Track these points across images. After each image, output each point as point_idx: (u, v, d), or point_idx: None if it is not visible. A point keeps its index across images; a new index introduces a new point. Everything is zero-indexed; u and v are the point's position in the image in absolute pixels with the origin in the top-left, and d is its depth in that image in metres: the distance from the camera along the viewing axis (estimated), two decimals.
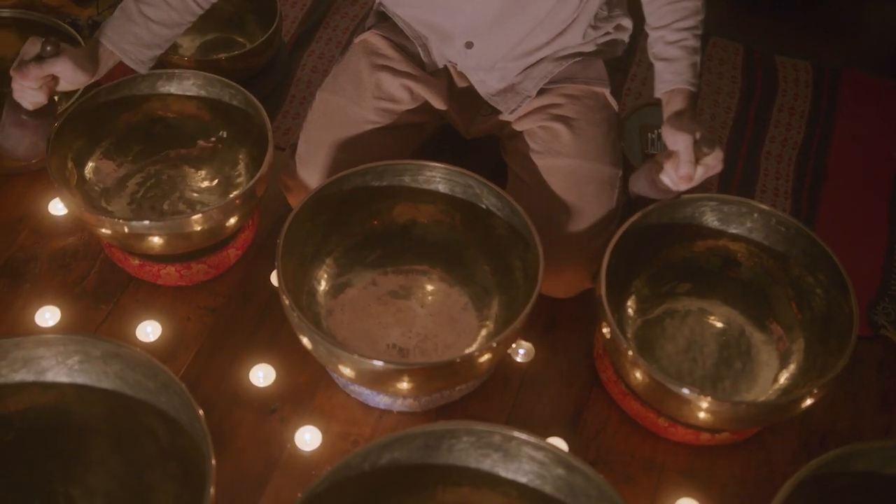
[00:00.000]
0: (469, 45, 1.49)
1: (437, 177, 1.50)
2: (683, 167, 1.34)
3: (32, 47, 1.37)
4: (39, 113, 1.41)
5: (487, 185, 1.47)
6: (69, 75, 1.37)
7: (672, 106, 1.41)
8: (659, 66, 1.43)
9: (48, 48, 1.36)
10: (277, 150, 1.80)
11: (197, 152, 1.69)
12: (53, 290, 1.60)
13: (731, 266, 1.54)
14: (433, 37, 1.54)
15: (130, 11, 1.42)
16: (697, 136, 1.34)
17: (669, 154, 1.37)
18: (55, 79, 1.38)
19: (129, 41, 1.43)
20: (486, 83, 1.55)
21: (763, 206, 1.48)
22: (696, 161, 1.35)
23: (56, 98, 1.47)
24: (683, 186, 1.37)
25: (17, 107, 1.40)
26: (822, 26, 2.17)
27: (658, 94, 1.43)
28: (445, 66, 1.58)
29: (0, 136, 1.43)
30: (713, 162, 1.35)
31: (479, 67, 1.53)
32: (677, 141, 1.35)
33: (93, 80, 1.43)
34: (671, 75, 1.41)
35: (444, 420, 1.39)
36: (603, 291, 1.36)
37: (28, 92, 1.37)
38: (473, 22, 1.46)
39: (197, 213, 1.43)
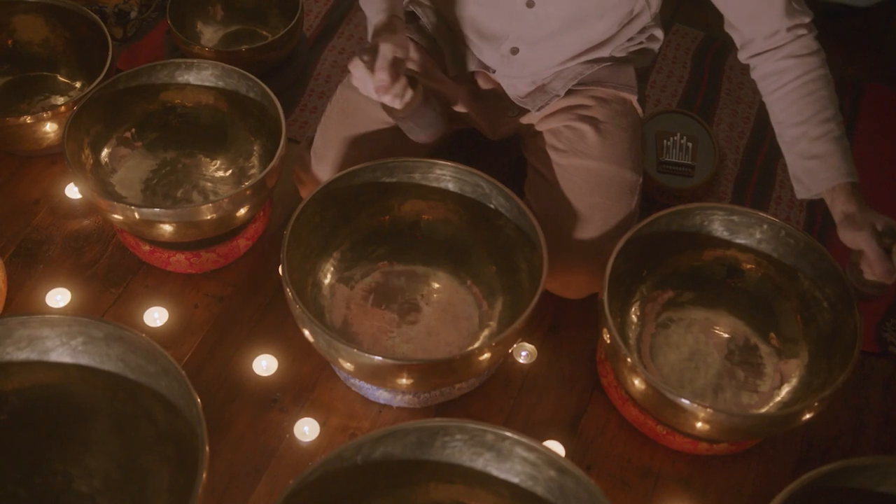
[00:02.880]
0: (514, 50, 1.48)
1: (446, 175, 1.51)
2: (877, 265, 1.28)
3: (358, 68, 1.31)
4: (407, 105, 1.37)
5: (496, 186, 1.47)
6: (393, 52, 1.30)
7: (838, 205, 1.33)
8: (810, 165, 1.35)
9: (365, 58, 1.30)
10: (293, 143, 1.81)
11: (212, 142, 1.70)
12: (65, 273, 1.62)
13: (737, 276, 1.54)
14: (477, 40, 1.51)
15: None
16: (879, 226, 1.28)
17: (860, 254, 1.32)
18: (399, 63, 1.32)
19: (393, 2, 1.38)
20: (517, 87, 1.56)
21: (772, 218, 1.47)
22: (889, 251, 1.28)
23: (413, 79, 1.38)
24: (891, 280, 1.29)
25: (391, 110, 1.37)
26: (845, 39, 2.15)
27: (813, 193, 1.36)
28: (471, 71, 1.57)
29: (407, 130, 1.43)
30: None
31: (516, 74, 1.53)
32: (857, 240, 1.29)
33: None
34: (828, 172, 1.33)
35: (442, 417, 1.40)
36: (605, 296, 1.36)
37: (393, 94, 1.32)
38: (529, 32, 1.45)
39: (207, 202, 1.45)
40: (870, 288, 1.35)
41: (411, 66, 1.56)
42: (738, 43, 1.42)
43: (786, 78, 1.37)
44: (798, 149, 1.37)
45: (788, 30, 1.35)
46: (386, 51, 1.29)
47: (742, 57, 1.43)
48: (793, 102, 1.36)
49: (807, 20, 1.36)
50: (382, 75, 1.29)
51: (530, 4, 1.41)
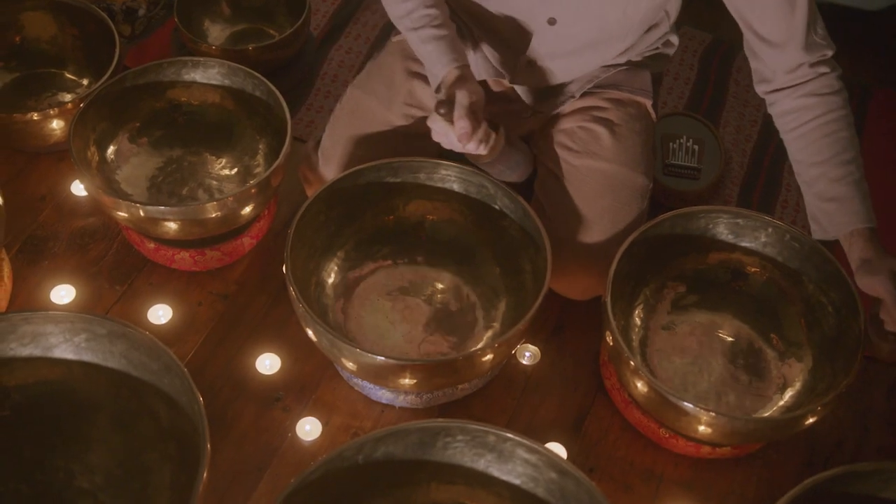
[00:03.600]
0: (532, 63, 1.47)
1: (451, 176, 1.51)
2: (895, 310, 1.24)
3: (437, 121, 1.32)
4: (492, 151, 1.36)
5: (501, 187, 1.47)
6: (469, 98, 1.31)
7: (856, 250, 1.29)
8: (829, 207, 1.32)
9: (442, 111, 1.31)
10: (298, 142, 1.82)
11: (218, 140, 1.71)
12: (70, 269, 1.62)
13: (742, 280, 1.53)
14: (494, 49, 1.50)
15: (431, 34, 1.38)
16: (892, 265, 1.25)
17: (880, 304, 1.27)
18: (478, 109, 1.32)
19: (456, 48, 1.38)
20: (532, 93, 1.55)
21: (777, 221, 1.46)
22: None
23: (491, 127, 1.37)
24: None
25: (477, 157, 1.38)
26: (854, 43, 2.14)
27: (830, 236, 1.33)
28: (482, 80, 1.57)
29: (497, 174, 1.44)
30: None
31: (531, 84, 1.53)
32: (875, 286, 1.25)
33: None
34: (847, 216, 1.30)
35: (444, 418, 1.40)
36: (608, 298, 1.35)
37: (477, 140, 1.32)
38: (549, 48, 1.44)
39: (212, 200, 1.45)
40: (893, 341, 1.29)
41: (419, 69, 1.56)
42: (757, 77, 1.37)
43: (806, 116, 1.32)
44: (816, 189, 1.33)
45: (811, 66, 1.31)
46: (462, 98, 1.29)
47: (761, 90, 1.38)
48: (813, 142, 1.32)
49: (829, 54, 1.31)
50: (463, 123, 1.28)
51: (552, 22, 1.39)
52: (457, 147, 1.32)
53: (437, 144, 1.62)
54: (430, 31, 1.37)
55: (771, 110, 1.37)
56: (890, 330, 1.27)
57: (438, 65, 1.36)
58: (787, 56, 1.31)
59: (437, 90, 1.39)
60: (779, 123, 1.37)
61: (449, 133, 1.31)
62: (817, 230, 1.35)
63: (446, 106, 1.29)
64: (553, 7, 1.35)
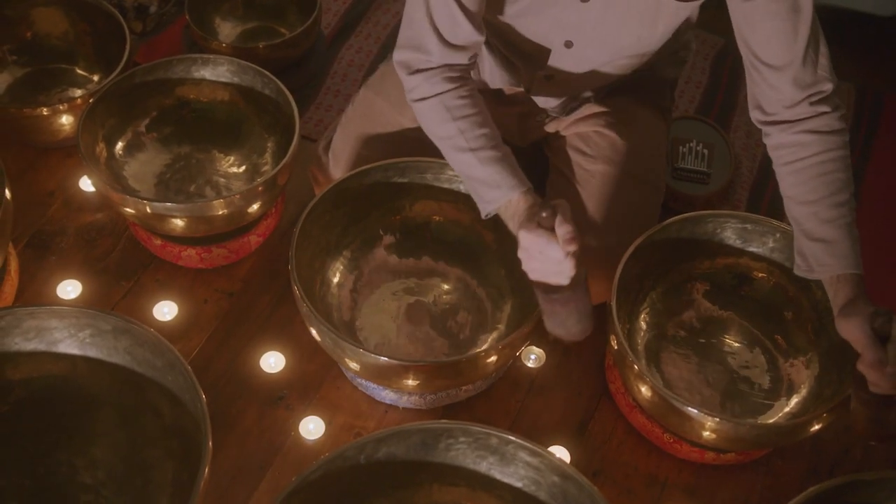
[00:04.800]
0: (549, 77, 1.46)
1: (458, 176, 1.50)
2: (868, 352, 1.15)
3: (536, 231, 1.20)
4: (576, 279, 1.23)
5: None
6: (568, 207, 1.21)
7: (841, 296, 1.23)
8: (816, 248, 1.25)
9: (544, 215, 1.19)
10: (307, 140, 1.81)
11: (227, 138, 1.71)
12: (77, 265, 1.63)
13: (749, 285, 1.52)
14: (512, 60, 1.47)
15: (494, 156, 1.30)
16: (877, 321, 1.16)
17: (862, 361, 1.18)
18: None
19: (518, 171, 1.30)
20: (549, 101, 1.54)
21: (786, 227, 1.45)
22: (888, 336, 1.15)
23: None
24: (886, 381, 1.15)
25: (554, 290, 1.24)
26: (867, 48, 2.13)
27: (814, 276, 1.27)
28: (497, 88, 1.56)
29: (550, 323, 1.28)
30: None
31: (548, 95, 1.52)
32: (852, 329, 1.18)
33: None
34: (834, 259, 1.24)
35: (448, 419, 1.39)
36: (614, 302, 1.35)
37: (564, 270, 1.20)
38: (565, 68, 1.42)
39: (219, 197, 1.45)
40: (877, 409, 1.19)
41: None
42: (752, 102, 1.30)
43: (802, 153, 1.26)
44: (805, 228, 1.27)
45: (812, 104, 1.25)
46: (565, 207, 1.19)
47: (756, 118, 1.31)
48: (807, 180, 1.26)
49: (829, 88, 1.25)
50: (570, 227, 1.17)
51: (568, 45, 1.36)
52: (557, 255, 1.18)
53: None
54: (491, 154, 1.29)
55: (766, 140, 1.31)
56: (873, 387, 1.17)
57: (504, 188, 1.28)
58: (787, 86, 1.25)
59: (487, 216, 1.32)
60: (773, 155, 1.31)
61: (550, 243, 1.18)
62: (802, 267, 1.28)
63: (547, 210, 1.18)
64: (569, 31, 1.34)
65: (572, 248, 1.18)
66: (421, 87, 1.32)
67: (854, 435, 1.24)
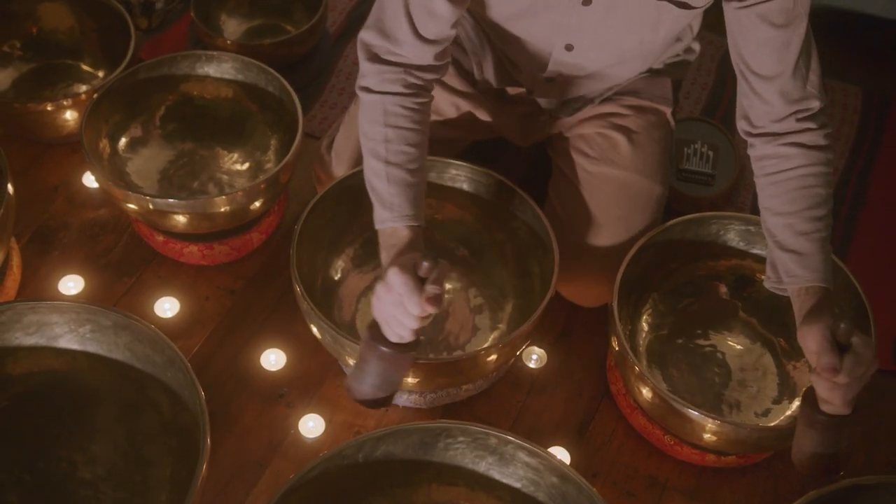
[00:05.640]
0: (551, 79, 1.45)
1: (461, 175, 1.50)
2: (823, 357, 1.12)
3: (408, 274, 1.13)
4: (406, 345, 1.19)
5: (511, 188, 1.46)
6: (447, 272, 1.20)
7: (805, 307, 1.20)
8: (786, 258, 1.24)
9: (425, 264, 1.12)
10: (311, 138, 1.81)
11: (230, 135, 1.71)
12: (79, 260, 1.63)
13: (752, 287, 1.52)
14: (515, 61, 1.46)
15: (403, 177, 1.25)
16: (839, 335, 1.14)
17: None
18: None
19: (421, 206, 1.27)
20: (552, 102, 1.54)
21: None
22: (846, 346, 1.12)
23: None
24: (838, 394, 1.12)
25: (381, 340, 1.18)
26: (874, 51, 2.12)
27: (781, 287, 1.26)
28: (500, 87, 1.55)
29: (355, 381, 1.22)
30: (863, 350, 1.12)
31: (551, 96, 1.51)
32: (809, 336, 1.15)
33: None
34: (804, 271, 1.22)
35: (448, 419, 1.39)
36: (615, 303, 1.35)
37: (410, 324, 1.15)
38: (567, 69, 1.41)
39: (221, 194, 1.45)
40: (826, 431, 1.15)
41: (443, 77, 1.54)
42: (740, 112, 1.29)
43: (784, 165, 1.25)
44: (779, 239, 1.25)
45: (798, 120, 1.24)
46: (445, 269, 1.16)
47: (742, 130, 1.29)
48: (786, 192, 1.25)
49: (816, 105, 1.24)
50: (440, 291, 1.13)
51: (569, 48, 1.35)
52: (410, 312, 1.12)
53: (451, 149, 1.60)
54: (403, 175, 1.25)
55: (750, 152, 1.30)
56: (823, 404, 1.14)
57: (395, 213, 1.23)
58: (775, 98, 1.24)
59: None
60: (755, 166, 1.29)
61: (414, 295, 1.11)
62: (772, 279, 1.27)
63: (431, 263, 1.12)
64: (570, 35, 1.33)
65: (431, 310, 1.13)
66: (372, 79, 1.27)
67: (798, 470, 1.20)
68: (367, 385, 1.20)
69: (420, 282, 1.12)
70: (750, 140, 1.29)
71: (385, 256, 1.23)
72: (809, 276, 1.22)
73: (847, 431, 1.16)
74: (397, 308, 1.14)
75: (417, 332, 1.17)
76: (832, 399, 1.13)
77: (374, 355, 1.18)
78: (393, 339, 1.17)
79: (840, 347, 1.13)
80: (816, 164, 1.24)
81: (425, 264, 1.12)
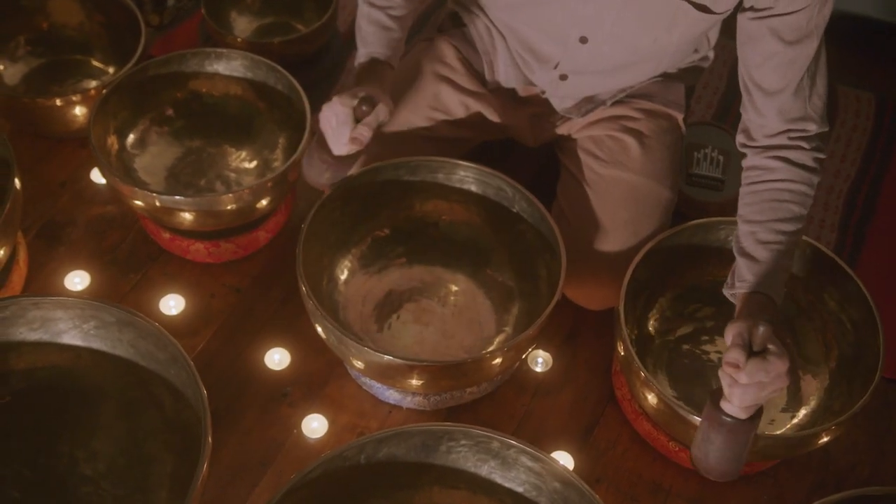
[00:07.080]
0: (564, 77, 1.45)
1: (469, 177, 1.49)
2: (730, 351, 1.09)
3: (345, 108, 1.29)
4: (346, 158, 1.36)
5: (519, 190, 1.45)
6: (386, 116, 1.32)
7: (745, 311, 1.20)
8: (741, 263, 1.24)
9: (363, 108, 1.29)
10: None
11: (238, 132, 1.70)
12: (86, 256, 1.63)
13: None
14: (528, 60, 1.46)
15: (381, 19, 1.39)
16: (761, 339, 1.11)
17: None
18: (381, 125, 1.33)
19: (394, 47, 1.40)
20: (563, 102, 1.53)
21: None
22: (759, 349, 1.10)
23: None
24: (736, 392, 1.10)
25: (325, 146, 1.35)
26: (885, 57, 2.10)
27: (731, 292, 1.26)
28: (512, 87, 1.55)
29: (306, 164, 1.40)
30: (774, 359, 1.09)
31: (564, 95, 1.51)
32: (729, 329, 1.12)
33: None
34: (753, 277, 1.22)
35: (452, 422, 1.39)
36: (622, 307, 1.34)
37: (346, 146, 1.31)
38: (581, 65, 1.41)
39: (228, 192, 1.45)
40: (727, 433, 1.14)
41: (453, 76, 1.55)
42: (741, 127, 1.30)
43: (766, 177, 1.25)
44: (741, 245, 1.25)
45: (791, 137, 1.24)
46: (383, 114, 1.30)
47: (739, 143, 1.30)
48: (759, 202, 1.25)
49: (813, 129, 1.24)
50: (368, 131, 1.29)
51: (583, 41, 1.35)
52: (338, 144, 1.31)
53: (459, 148, 1.60)
54: (382, 17, 1.39)
55: (742, 162, 1.31)
56: (724, 404, 1.13)
57: (367, 48, 1.39)
58: (772, 113, 1.24)
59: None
60: (742, 176, 1.30)
61: (343, 126, 1.29)
62: (728, 284, 1.26)
63: (368, 105, 1.28)
64: (584, 26, 1.33)
65: (356, 145, 1.29)
66: None
67: (696, 469, 1.19)
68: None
69: (352, 114, 1.29)
70: (744, 151, 1.30)
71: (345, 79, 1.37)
72: (757, 283, 1.21)
73: (743, 439, 1.15)
74: (334, 131, 1.31)
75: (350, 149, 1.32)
76: (730, 397, 1.11)
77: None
78: (334, 151, 1.33)
79: (754, 351, 1.11)
80: (797, 181, 1.24)
81: (364, 108, 1.28)
